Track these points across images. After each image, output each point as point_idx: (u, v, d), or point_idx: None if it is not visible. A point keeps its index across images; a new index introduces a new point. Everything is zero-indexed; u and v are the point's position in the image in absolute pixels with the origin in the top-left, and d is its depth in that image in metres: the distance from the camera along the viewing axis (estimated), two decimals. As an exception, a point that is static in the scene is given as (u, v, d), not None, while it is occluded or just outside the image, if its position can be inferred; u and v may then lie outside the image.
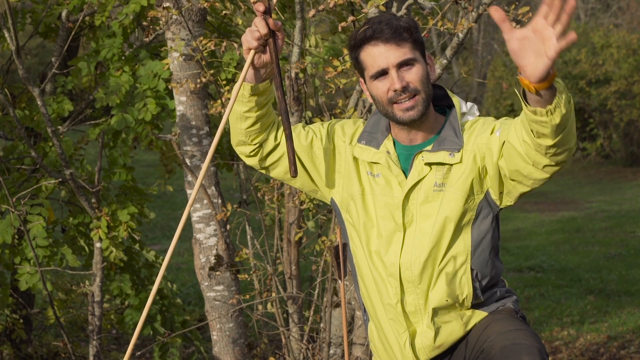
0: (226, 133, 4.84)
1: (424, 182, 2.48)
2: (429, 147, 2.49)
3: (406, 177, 2.51)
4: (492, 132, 2.43)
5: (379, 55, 2.43)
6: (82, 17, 4.48)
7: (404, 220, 2.50)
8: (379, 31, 2.42)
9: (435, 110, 2.56)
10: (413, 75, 2.43)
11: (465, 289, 2.50)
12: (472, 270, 2.49)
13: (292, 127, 2.60)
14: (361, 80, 2.56)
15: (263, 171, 2.66)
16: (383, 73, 2.44)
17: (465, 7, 3.35)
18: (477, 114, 2.56)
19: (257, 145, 2.59)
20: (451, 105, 2.57)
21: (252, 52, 2.40)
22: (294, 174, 2.43)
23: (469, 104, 2.56)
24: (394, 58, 2.42)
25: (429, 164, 2.48)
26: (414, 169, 2.49)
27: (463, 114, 2.54)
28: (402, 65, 2.43)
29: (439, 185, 2.47)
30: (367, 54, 2.46)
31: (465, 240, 2.48)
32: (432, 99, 2.51)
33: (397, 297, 2.51)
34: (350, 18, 3.17)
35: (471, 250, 2.49)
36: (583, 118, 18.82)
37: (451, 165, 2.47)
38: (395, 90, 2.43)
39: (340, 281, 2.43)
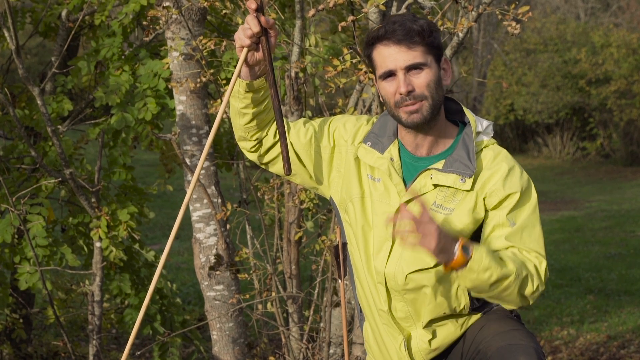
0: (226, 132, 4.85)
1: (423, 197, 2.44)
2: (439, 165, 2.44)
3: (406, 187, 2.47)
4: (502, 206, 2.41)
5: (389, 56, 2.39)
6: (82, 16, 4.47)
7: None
8: (391, 32, 2.38)
9: (448, 120, 2.50)
10: (421, 80, 2.38)
11: (462, 300, 2.49)
12: None
13: (293, 122, 2.60)
14: (373, 77, 2.52)
15: (264, 167, 2.66)
16: (391, 74, 2.40)
17: (465, 7, 3.35)
18: (492, 133, 2.50)
19: (257, 141, 2.58)
20: (465, 122, 2.51)
21: (245, 49, 2.39)
22: (288, 172, 2.43)
23: (485, 122, 2.49)
24: (402, 61, 2.37)
25: (437, 185, 2.43)
26: (416, 183, 2.45)
27: (478, 133, 2.48)
28: (411, 69, 2.38)
29: (437, 205, 2.43)
30: (378, 53, 2.42)
31: None
32: (445, 111, 2.46)
33: (387, 304, 2.51)
34: (350, 18, 3.16)
35: None
36: (583, 117, 18.83)
37: (458, 190, 2.42)
38: (400, 94, 2.38)
39: (340, 281, 2.43)
